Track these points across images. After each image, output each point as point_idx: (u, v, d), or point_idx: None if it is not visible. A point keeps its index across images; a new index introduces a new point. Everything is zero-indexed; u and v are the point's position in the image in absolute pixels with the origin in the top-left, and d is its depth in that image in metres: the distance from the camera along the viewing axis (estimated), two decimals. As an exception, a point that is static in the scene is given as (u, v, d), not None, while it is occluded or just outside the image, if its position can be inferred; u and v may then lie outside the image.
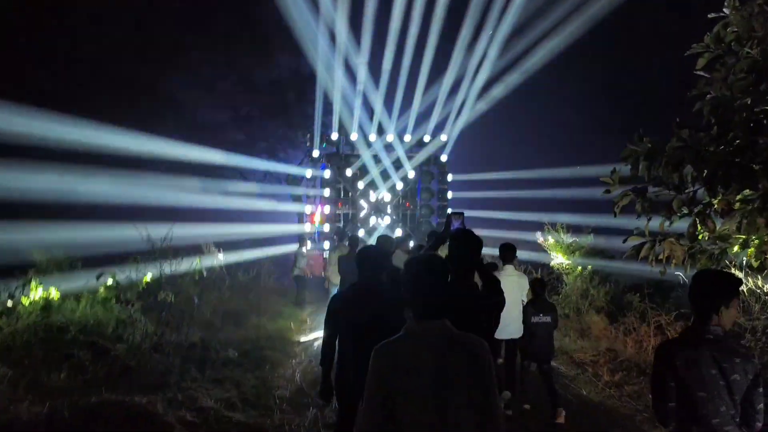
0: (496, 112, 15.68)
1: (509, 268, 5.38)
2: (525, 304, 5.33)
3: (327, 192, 12.93)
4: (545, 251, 9.00)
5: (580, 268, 8.22)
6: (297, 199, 17.46)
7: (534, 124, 19.13)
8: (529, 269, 8.53)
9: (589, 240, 8.48)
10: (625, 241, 4.92)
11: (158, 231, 9.01)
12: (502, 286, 5.32)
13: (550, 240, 8.82)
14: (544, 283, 5.58)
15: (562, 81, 20.30)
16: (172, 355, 5.68)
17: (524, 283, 5.43)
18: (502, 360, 5.47)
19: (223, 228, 12.04)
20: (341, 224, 12.94)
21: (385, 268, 3.46)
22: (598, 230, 8.65)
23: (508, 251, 5.41)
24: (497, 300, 2.85)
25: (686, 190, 4.55)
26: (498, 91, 14.98)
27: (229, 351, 6.33)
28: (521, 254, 10.14)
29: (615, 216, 4.92)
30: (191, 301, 8.68)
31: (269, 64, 15.81)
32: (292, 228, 15.19)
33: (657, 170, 4.84)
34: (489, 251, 6.01)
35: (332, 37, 14.08)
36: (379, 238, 5.85)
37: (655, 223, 4.68)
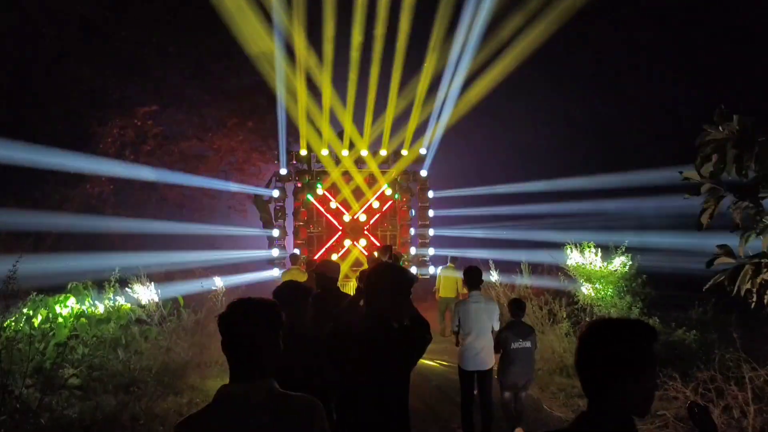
0: (483, 119, 14.32)
1: (475, 294, 4.96)
2: (501, 328, 5.02)
3: (296, 213, 11.85)
4: (570, 276, 7.30)
5: (616, 299, 6.53)
6: (266, 221, 15.91)
7: (532, 128, 17.52)
8: (548, 300, 6.89)
9: (626, 263, 6.79)
10: (709, 264, 3.47)
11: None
12: (468, 313, 4.84)
13: (574, 261, 7.13)
14: (522, 304, 5.22)
15: (566, 73, 18.54)
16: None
17: (493, 309, 5.02)
18: (476, 392, 5.02)
19: (167, 256, 10.15)
20: (309, 248, 11.97)
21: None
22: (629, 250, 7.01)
23: (472, 275, 4.96)
24: (417, 336, 2.62)
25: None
26: (484, 88, 13.62)
27: (138, 439, 4.46)
28: (533, 281, 8.69)
29: (700, 228, 3.49)
30: (115, 353, 6.82)
31: (236, 68, 14.20)
32: (258, 254, 13.63)
33: (749, 162, 3.51)
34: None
35: (290, 51, 12.80)
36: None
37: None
